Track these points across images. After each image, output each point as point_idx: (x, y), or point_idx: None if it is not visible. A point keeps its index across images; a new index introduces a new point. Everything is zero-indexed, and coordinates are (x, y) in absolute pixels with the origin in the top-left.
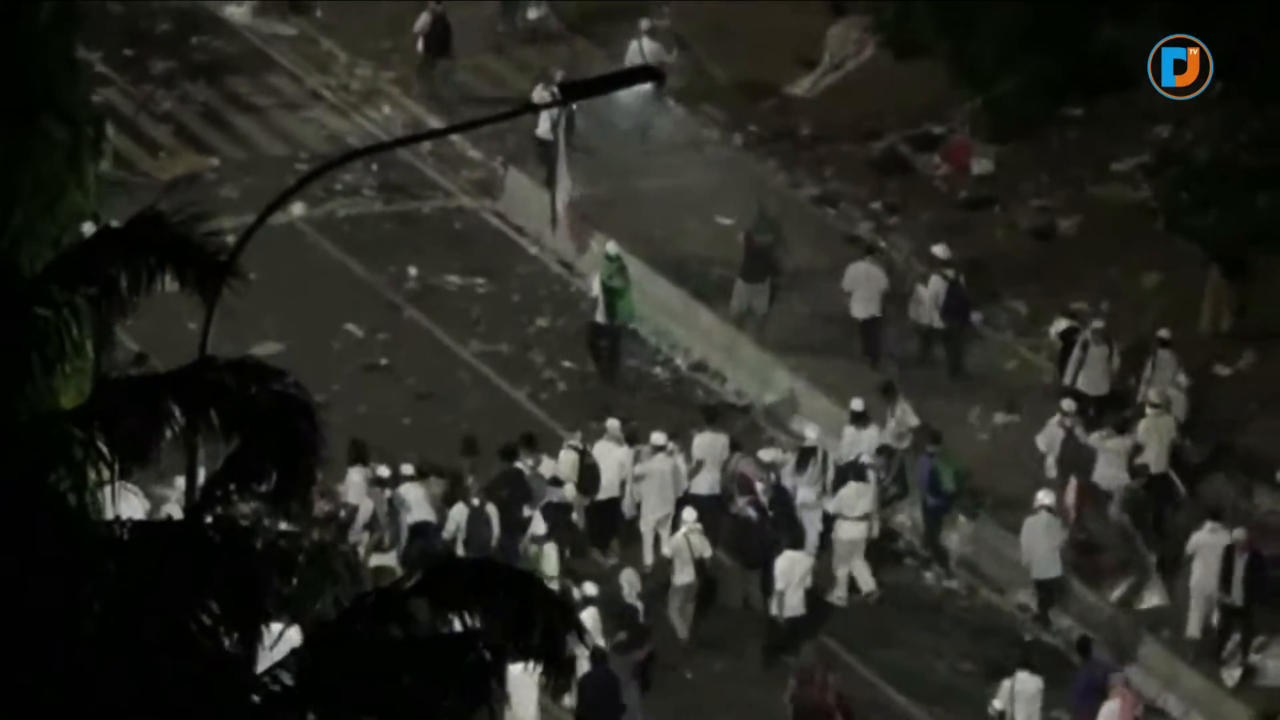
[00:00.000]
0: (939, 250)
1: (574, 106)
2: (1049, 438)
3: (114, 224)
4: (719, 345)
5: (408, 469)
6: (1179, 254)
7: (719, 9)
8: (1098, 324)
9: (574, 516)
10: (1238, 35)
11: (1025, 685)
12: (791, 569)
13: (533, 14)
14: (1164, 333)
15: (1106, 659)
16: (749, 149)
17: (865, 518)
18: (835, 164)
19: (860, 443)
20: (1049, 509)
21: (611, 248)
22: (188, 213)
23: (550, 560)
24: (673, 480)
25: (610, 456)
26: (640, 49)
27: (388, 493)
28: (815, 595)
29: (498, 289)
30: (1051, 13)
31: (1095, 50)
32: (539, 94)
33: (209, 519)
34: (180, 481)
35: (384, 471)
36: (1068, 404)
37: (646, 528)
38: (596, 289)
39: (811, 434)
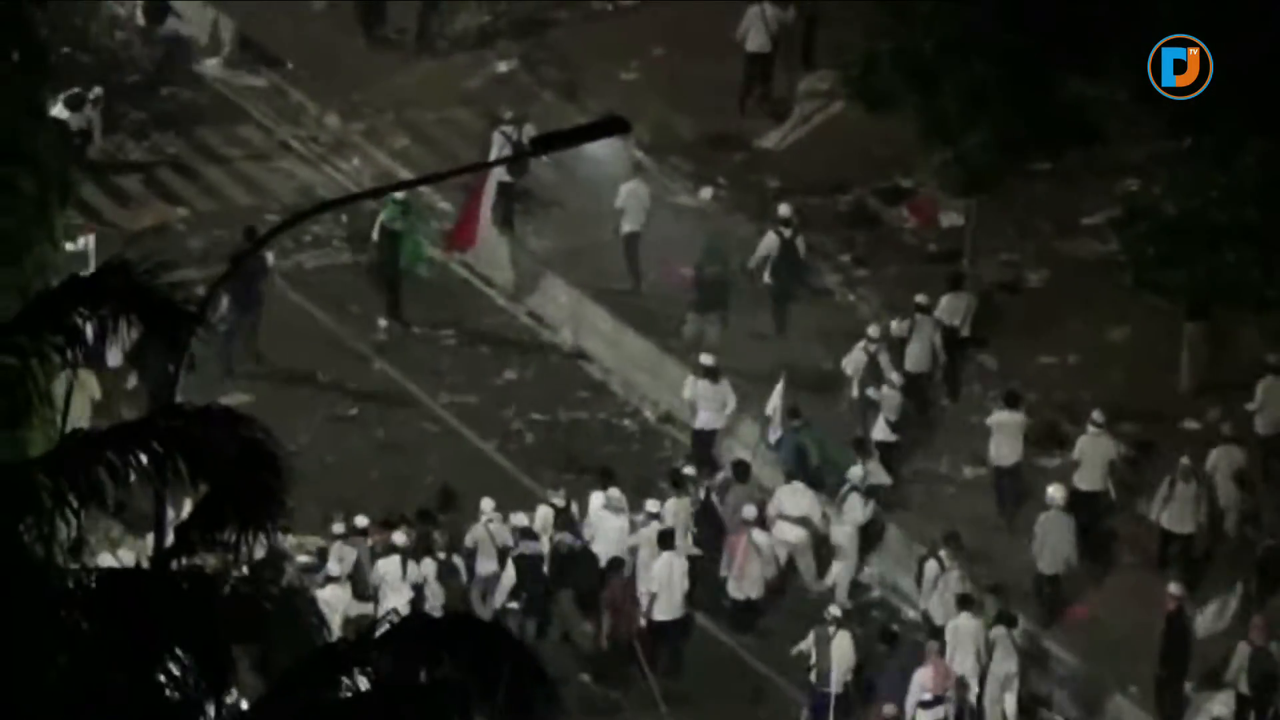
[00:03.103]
0: (783, 209)
1: (524, 140)
2: (853, 362)
3: (82, 274)
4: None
5: (363, 521)
6: (1146, 309)
7: (687, 62)
8: (1185, 460)
9: (544, 570)
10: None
11: (966, 624)
12: (668, 571)
13: (503, 66)
14: (921, 298)
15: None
16: (717, 201)
17: (803, 520)
18: (803, 216)
19: (712, 397)
20: (1060, 506)
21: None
22: (156, 262)
23: (339, 600)
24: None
25: (608, 525)
26: (762, 11)
27: (369, 541)
28: (691, 601)
29: (466, 340)
30: (1016, 68)
31: (1061, 105)
32: (495, 137)
33: (176, 567)
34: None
35: (360, 521)
36: (873, 330)
37: (644, 595)
38: (375, 234)
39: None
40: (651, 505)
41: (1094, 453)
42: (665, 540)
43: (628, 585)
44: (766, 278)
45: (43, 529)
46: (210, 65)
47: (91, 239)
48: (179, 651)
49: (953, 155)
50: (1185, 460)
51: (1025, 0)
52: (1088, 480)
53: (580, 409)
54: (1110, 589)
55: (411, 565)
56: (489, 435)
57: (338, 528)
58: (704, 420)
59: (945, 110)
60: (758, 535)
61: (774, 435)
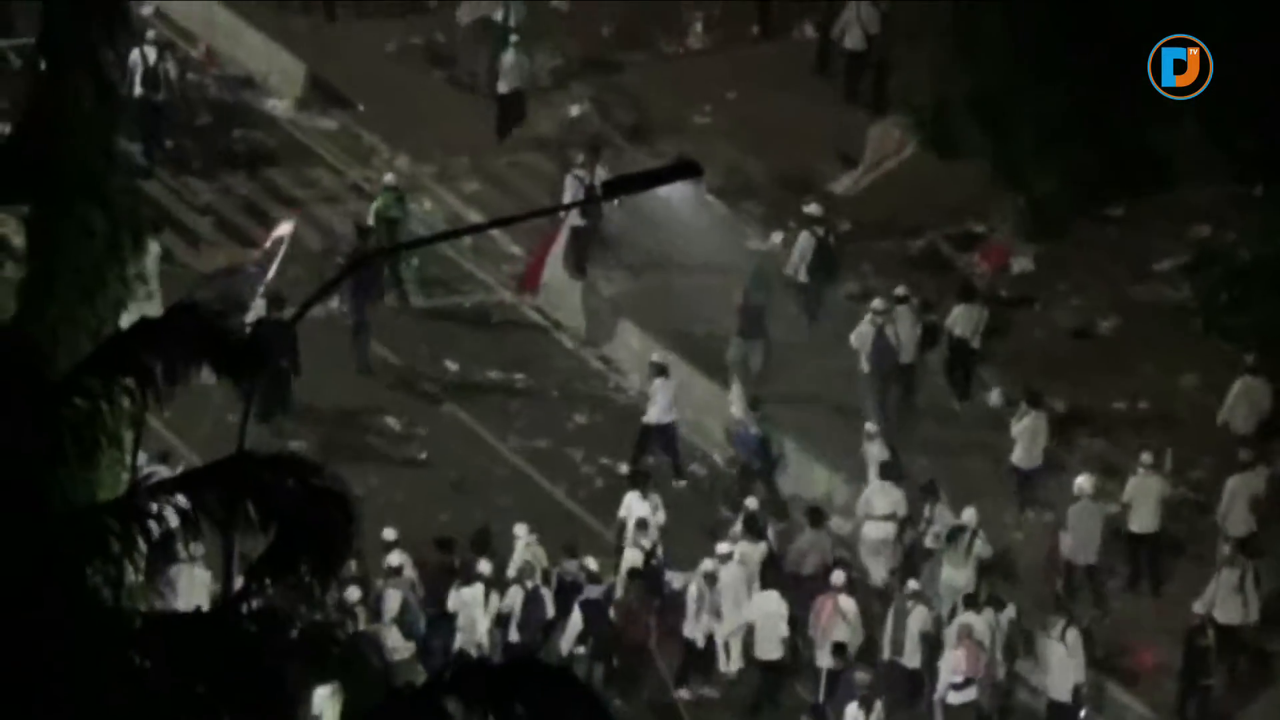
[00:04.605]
0: (811, 208)
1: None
2: (860, 336)
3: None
4: None
5: (396, 560)
6: (1217, 354)
7: (759, 106)
8: (1227, 548)
9: (611, 614)
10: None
11: (973, 620)
12: (769, 606)
13: (574, 111)
14: (901, 289)
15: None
16: (788, 245)
17: (890, 517)
18: (874, 261)
19: (662, 392)
20: (1090, 495)
21: (390, 179)
22: (226, 304)
23: (395, 637)
24: (746, 588)
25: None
26: (858, 10)
27: (407, 574)
28: (792, 647)
29: (536, 384)
30: (1090, 113)
31: (1133, 149)
32: (568, 181)
33: (243, 611)
34: None
35: (394, 560)
36: (879, 303)
37: (720, 638)
38: (371, 220)
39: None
40: (723, 547)
41: (1144, 493)
42: (764, 578)
43: (646, 596)
44: (803, 277)
45: (109, 572)
46: (281, 107)
47: (288, 228)
48: (243, 695)
49: (1025, 201)
50: (1227, 548)
51: (1095, 42)
52: (1140, 522)
53: (650, 454)
54: (1173, 633)
55: (494, 595)
56: (558, 479)
57: (394, 559)
58: (652, 415)
59: (1018, 155)
60: (844, 601)
61: (740, 428)
